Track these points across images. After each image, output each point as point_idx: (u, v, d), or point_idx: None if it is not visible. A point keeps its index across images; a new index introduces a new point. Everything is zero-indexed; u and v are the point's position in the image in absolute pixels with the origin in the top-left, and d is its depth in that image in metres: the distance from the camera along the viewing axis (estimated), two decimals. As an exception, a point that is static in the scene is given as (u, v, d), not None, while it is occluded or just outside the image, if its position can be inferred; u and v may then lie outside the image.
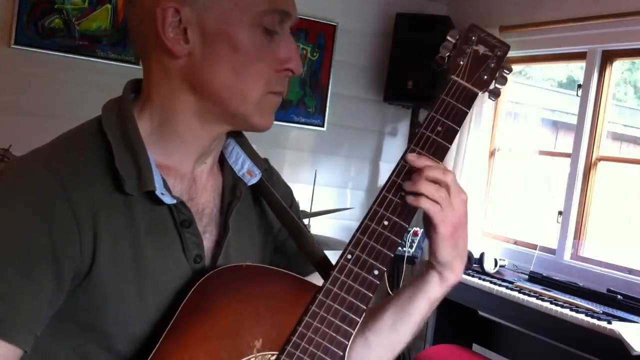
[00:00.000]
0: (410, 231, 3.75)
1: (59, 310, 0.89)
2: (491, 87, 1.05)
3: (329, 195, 4.05)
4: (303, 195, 3.32)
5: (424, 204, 0.97)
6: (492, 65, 1.05)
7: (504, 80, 1.06)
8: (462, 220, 1.00)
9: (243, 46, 0.94)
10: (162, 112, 0.98)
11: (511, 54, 4.08)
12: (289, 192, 1.20)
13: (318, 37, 4.07)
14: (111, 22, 3.54)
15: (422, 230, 3.77)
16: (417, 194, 0.97)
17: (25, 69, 3.38)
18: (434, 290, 1.05)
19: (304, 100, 4.07)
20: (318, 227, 3.36)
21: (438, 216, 0.97)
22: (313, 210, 3.38)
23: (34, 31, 3.37)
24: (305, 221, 2.79)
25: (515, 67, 4.09)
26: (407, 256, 3.67)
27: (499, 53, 1.06)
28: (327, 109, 4.13)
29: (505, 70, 1.06)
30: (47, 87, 3.42)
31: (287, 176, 1.24)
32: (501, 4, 3.93)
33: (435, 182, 0.98)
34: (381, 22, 4.23)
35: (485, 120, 3.84)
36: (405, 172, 0.99)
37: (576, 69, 4.10)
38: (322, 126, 4.14)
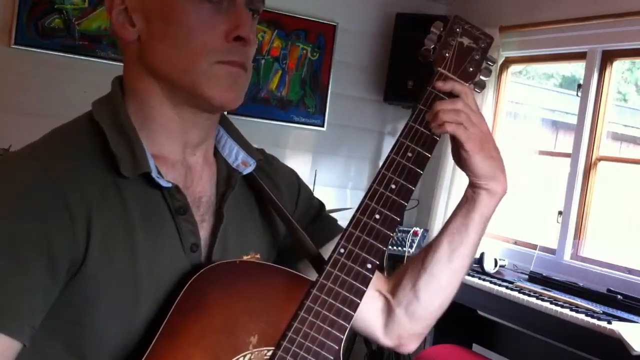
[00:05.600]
0: (410, 231, 3.75)
1: (52, 308, 0.88)
2: (476, 79, 1.07)
3: (329, 195, 4.03)
4: (303, 195, 3.32)
5: (448, 127, 1.01)
6: (477, 57, 1.07)
7: (488, 72, 1.08)
8: (487, 136, 1.05)
9: (181, 18, 0.93)
10: (139, 100, 0.98)
11: (511, 54, 4.06)
12: (294, 178, 1.21)
13: (318, 37, 4.07)
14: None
15: (421, 230, 3.76)
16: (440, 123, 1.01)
17: (25, 69, 3.38)
18: (485, 205, 1.10)
19: (304, 100, 4.06)
20: (318, 227, 3.36)
21: (464, 135, 1.02)
22: (313, 210, 3.37)
23: (34, 31, 3.38)
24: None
25: (515, 67, 4.08)
26: (407, 256, 3.66)
27: (483, 45, 1.08)
28: (327, 109, 4.12)
29: (489, 62, 1.08)
30: (47, 87, 3.42)
31: (287, 176, 1.23)
32: (501, 4, 3.93)
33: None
34: (381, 22, 4.23)
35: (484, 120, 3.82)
36: (384, 172, 0.99)
37: (578, 68, 4.09)
38: (322, 126, 4.13)
